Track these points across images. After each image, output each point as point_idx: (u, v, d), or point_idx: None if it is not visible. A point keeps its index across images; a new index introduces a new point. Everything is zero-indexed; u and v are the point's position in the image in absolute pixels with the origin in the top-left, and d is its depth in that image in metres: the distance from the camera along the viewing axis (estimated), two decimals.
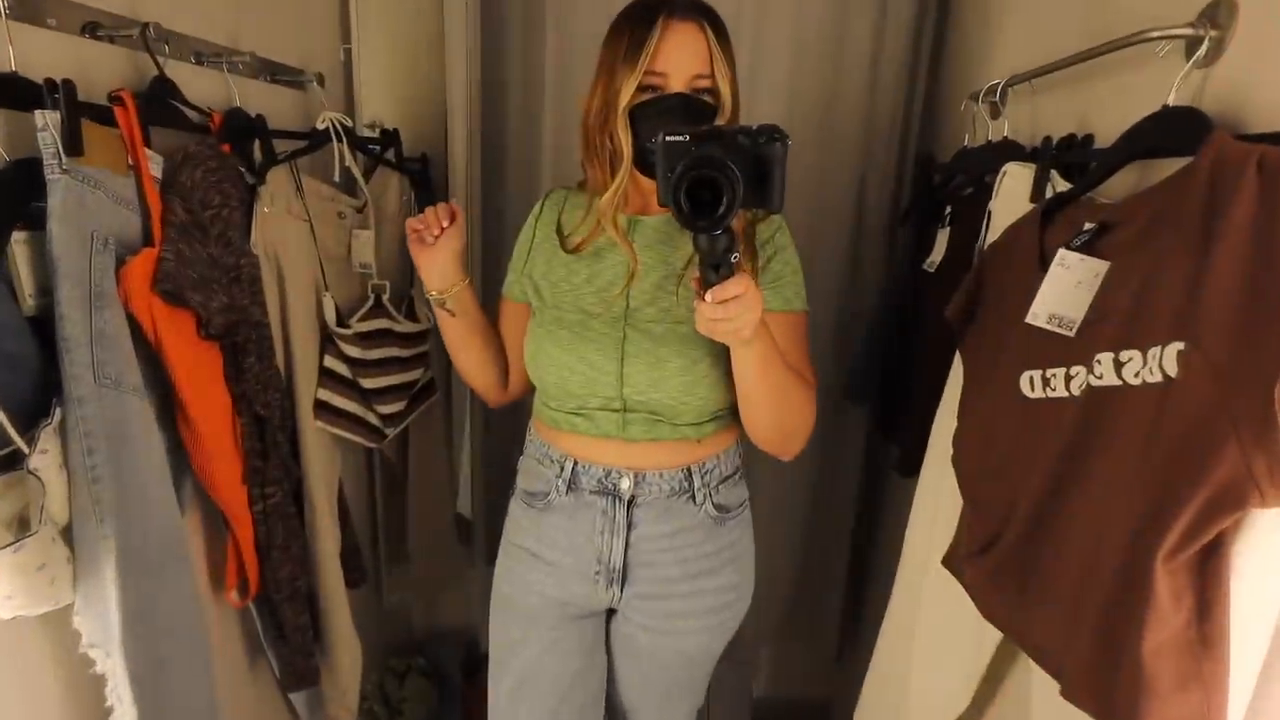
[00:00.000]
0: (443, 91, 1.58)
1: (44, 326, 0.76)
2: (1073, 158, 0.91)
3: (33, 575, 0.70)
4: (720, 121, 0.92)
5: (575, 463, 1.00)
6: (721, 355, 0.94)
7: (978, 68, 1.38)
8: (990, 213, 1.04)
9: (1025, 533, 0.82)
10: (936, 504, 1.10)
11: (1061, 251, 0.75)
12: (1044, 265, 0.82)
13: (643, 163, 0.92)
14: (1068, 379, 0.77)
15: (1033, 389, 0.83)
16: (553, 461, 1.03)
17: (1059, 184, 0.90)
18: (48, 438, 0.73)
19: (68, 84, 0.77)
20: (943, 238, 1.28)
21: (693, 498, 1.01)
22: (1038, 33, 1.16)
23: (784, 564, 1.83)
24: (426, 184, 1.57)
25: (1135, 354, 0.65)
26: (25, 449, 0.71)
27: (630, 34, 0.89)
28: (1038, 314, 0.77)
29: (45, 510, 0.72)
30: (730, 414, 1.01)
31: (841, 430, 1.74)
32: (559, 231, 1.04)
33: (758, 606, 1.88)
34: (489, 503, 1.89)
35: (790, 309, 0.96)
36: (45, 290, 0.77)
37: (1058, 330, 0.77)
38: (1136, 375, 0.65)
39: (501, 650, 1.11)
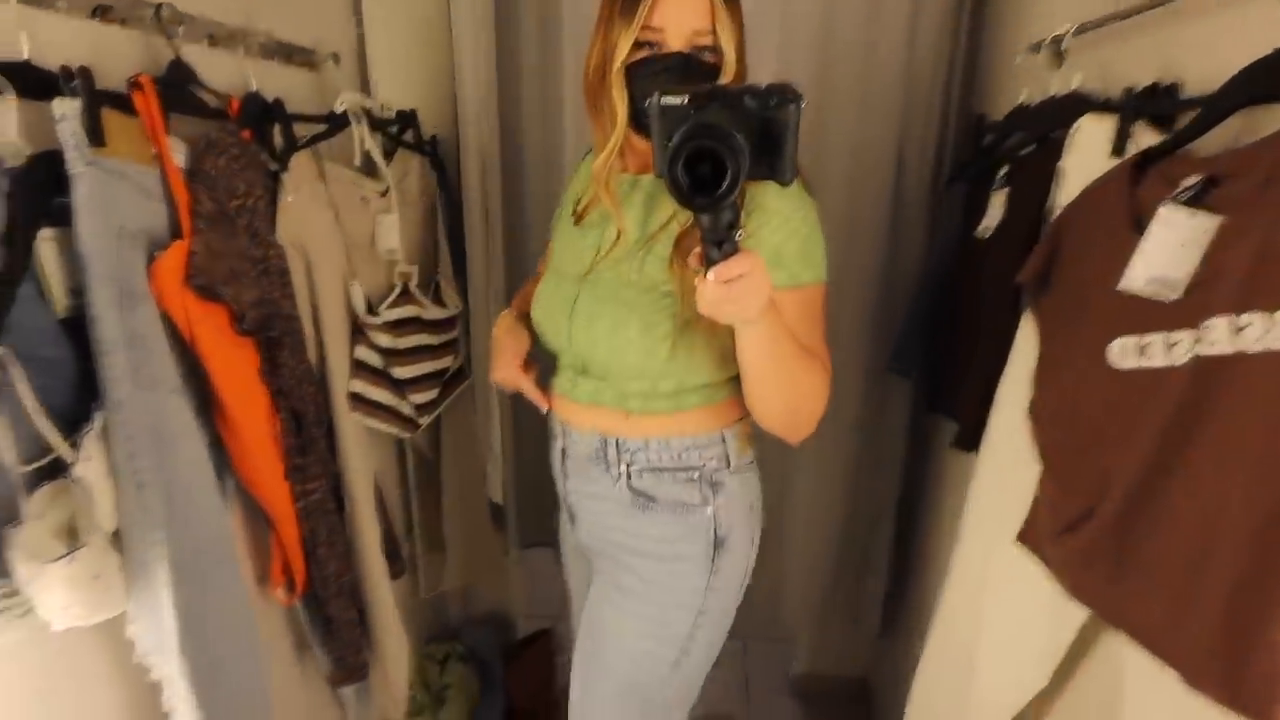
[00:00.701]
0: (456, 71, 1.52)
1: (78, 327, 0.73)
2: (1159, 108, 0.84)
3: (88, 585, 0.67)
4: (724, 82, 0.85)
5: (550, 409, 1.05)
6: (662, 325, 0.87)
7: (1031, 18, 1.30)
8: (1062, 171, 0.98)
9: (1122, 510, 0.77)
10: (1004, 479, 1.05)
11: (1165, 208, 0.69)
12: (1138, 225, 0.76)
13: (638, 123, 0.87)
14: (1168, 346, 0.71)
15: (1125, 357, 0.78)
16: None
17: (1141, 138, 0.84)
18: (91, 443, 0.70)
19: (85, 71, 0.72)
20: (998, 201, 1.21)
21: (607, 469, 0.97)
22: None
23: (825, 540, 1.80)
24: (441, 165, 1.51)
25: (1258, 317, 0.59)
26: (69, 456, 0.68)
27: None
28: (1135, 277, 0.72)
29: (94, 518, 0.69)
30: (691, 402, 0.93)
31: (884, 404, 1.69)
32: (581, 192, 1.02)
33: (798, 583, 1.88)
34: (520, 488, 1.86)
35: (797, 283, 0.84)
36: (77, 290, 0.73)
37: (1157, 294, 0.71)
38: (1259, 341, 0.60)
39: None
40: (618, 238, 0.91)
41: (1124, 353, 0.78)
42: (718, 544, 0.96)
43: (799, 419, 0.86)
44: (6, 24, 0.71)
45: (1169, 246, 0.69)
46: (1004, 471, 1.06)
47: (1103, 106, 1.00)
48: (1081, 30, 1.03)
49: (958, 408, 1.33)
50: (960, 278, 1.34)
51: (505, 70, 1.60)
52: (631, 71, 0.84)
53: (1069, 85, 1.08)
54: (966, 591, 1.15)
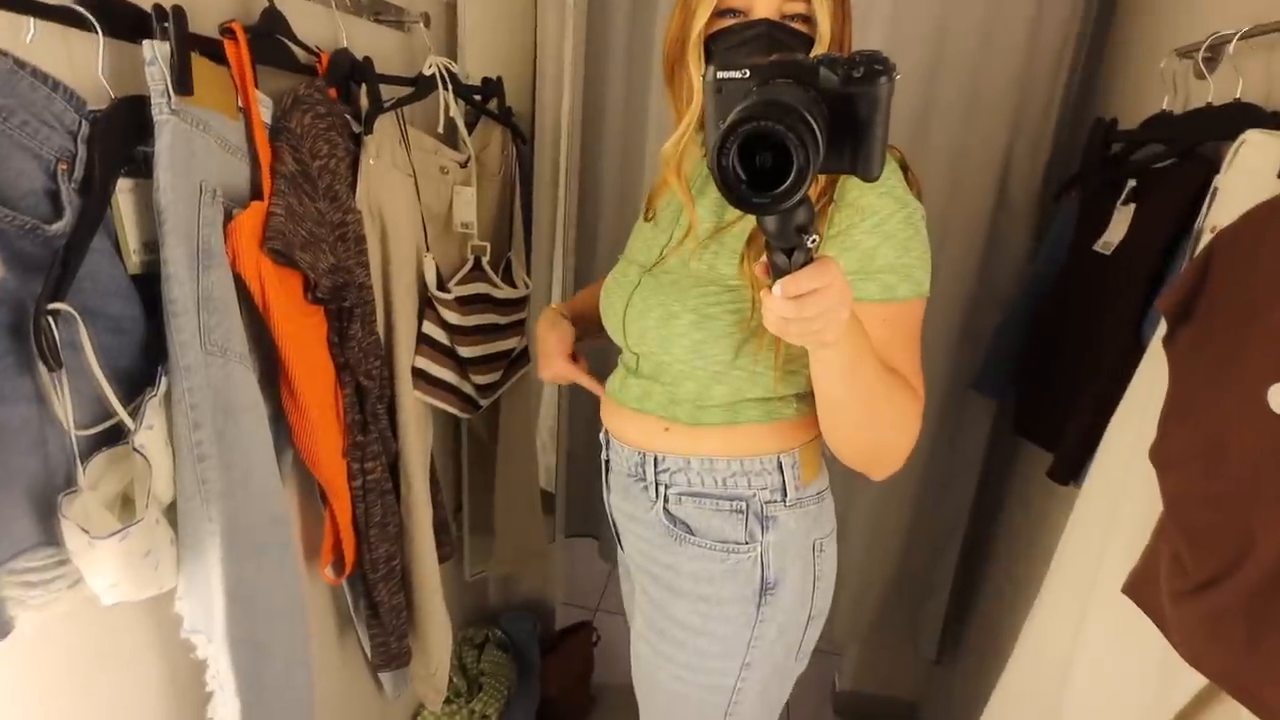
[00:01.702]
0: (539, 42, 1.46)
1: (150, 285, 0.69)
2: None
3: (139, 562, 0.64)
4: None
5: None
6: (718, 318, 0.77)
7: (1178, 18, 1.17)
8: (1216, 190, 0.87)
9: (1268, 578, 0.68)
10: (1111, 520, 0.95)
11: None
12: None
13: None
14: None
15: None
16: None
17: None
18: (153, 411, 0.66)
19: (178, 11, 0.68)
20: (1123, 216, 1.10)
21: (645, 489, 0.87)
22: None
23: (885, 556, 1.71)
24: (525, 138, 1.46)
25: None
26: (130, 423, 0.64)
27: None
28: None
29: (151, 490, 0.65)
30: (749, 418, 0.81)
31: (962, 422, 1.58)
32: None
33: (851, 597, 1.79)
34: (570, 477, 1.82)
35: (890, 297, 0.72)
36: (150, 246, 0.69)
37: None
38: None
39: None
40: (689, 230, 0.82)
41: None
42: (765, 589, 0.83)
43: (881, 454, 0.75)
44: None
45: None
46: (1109, 513, 0.96)
47: (1271, 120, 0.88)
48: (1254, 32, 0.91)
49: (1056, 437, 1.23)
50: (1070, 296, 1.23)
51: (593, 45, 1.53)
52: (711, 43, 0.75)
53: (1228, 95, 0.96)
54: (1054, 634, 1.07)
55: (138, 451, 0.64)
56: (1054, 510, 1.30)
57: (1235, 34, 0.93)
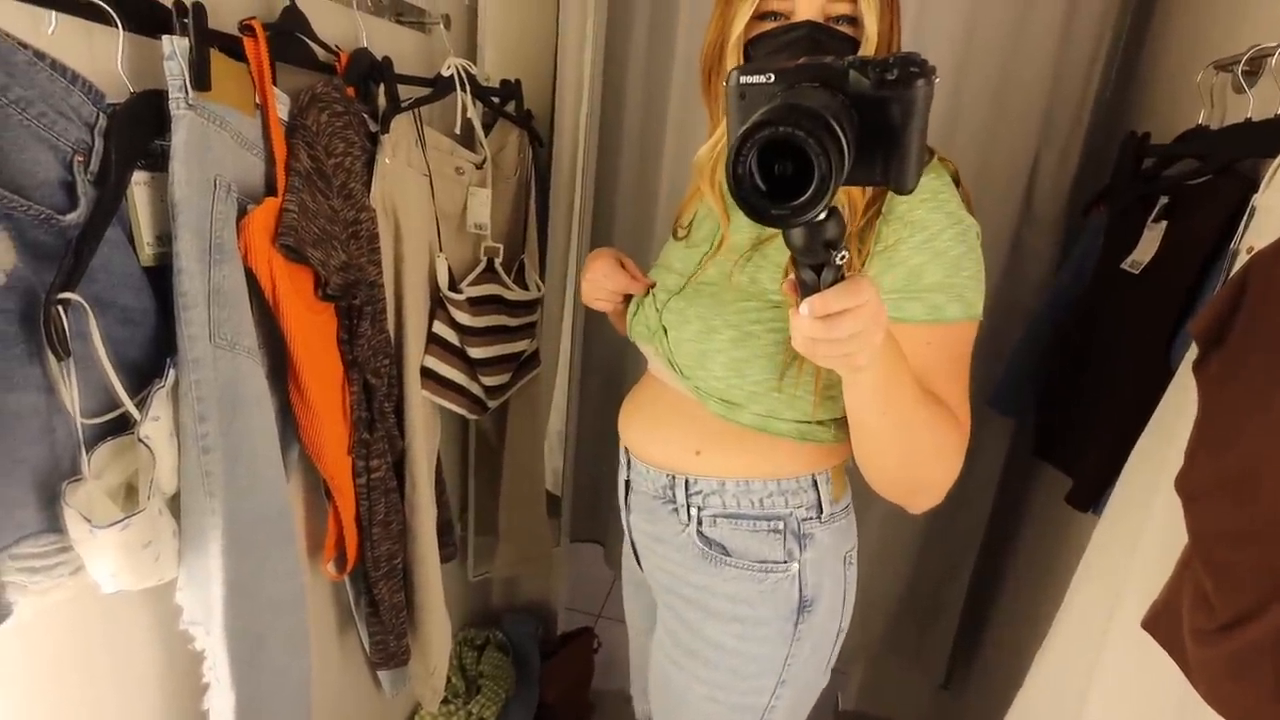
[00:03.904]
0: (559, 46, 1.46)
1: (161, 277, 0.69)
2: None
3: (139, 553, 0.64)
4: None
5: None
6: (758, 337, 0.74)
7: (1215, 30, 1.14)
8: (1254, 209, 0.84)
9: None
10: (1131, 551, 0.93)
11: None
12: None
13: None
14: None
15: None
16: None
17: None
18: (160, 402, 0.66)
19: (199, 7, 0.68)
20: (1153, 234, 1.07)
21: (675, 511, 0.84)
22: None
23: (894, 575, 1.68)
24: (541, 141, 1.46)
25: None
26: (136, 414, 0.65)
27: None
28: None
29: (154, 481, 0.66)
30: (781, 432, 0.78)
31: (980, 441, 1.55)
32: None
33: (859, 615, 1.76)
34: (576, 481, 1.81)
35: (939, 318, 0.68)
36: (163, 238, 0.70)
37: None
38: None
39: None
40: (720, 241, 0.80)
41: None
42: (803, 607, 0.82)
43: (919, 487, 0.71)
44: None
45: None
46: (1130, 543, 0.94)
47: None
48: None
49: (1076, 461, 1.20)
50: (1096, 315, 1.20)
51: (613, 50, 1.53)
52: (752, 47, 0.72)
53: (1270, 109, 0.94)
54: (1069, 666, 1.04)
55: (142, 442, 0.64)
56: (1072, 536, 1.27)
57: (1278, 47, 0.90)
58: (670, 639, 0.90)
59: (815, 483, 0.81)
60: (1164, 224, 1.05)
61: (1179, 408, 0.87)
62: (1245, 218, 0.84)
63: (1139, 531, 0.91)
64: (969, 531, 1.60)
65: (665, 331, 0.82)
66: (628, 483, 0.91)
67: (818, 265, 0.48)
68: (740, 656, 0.84)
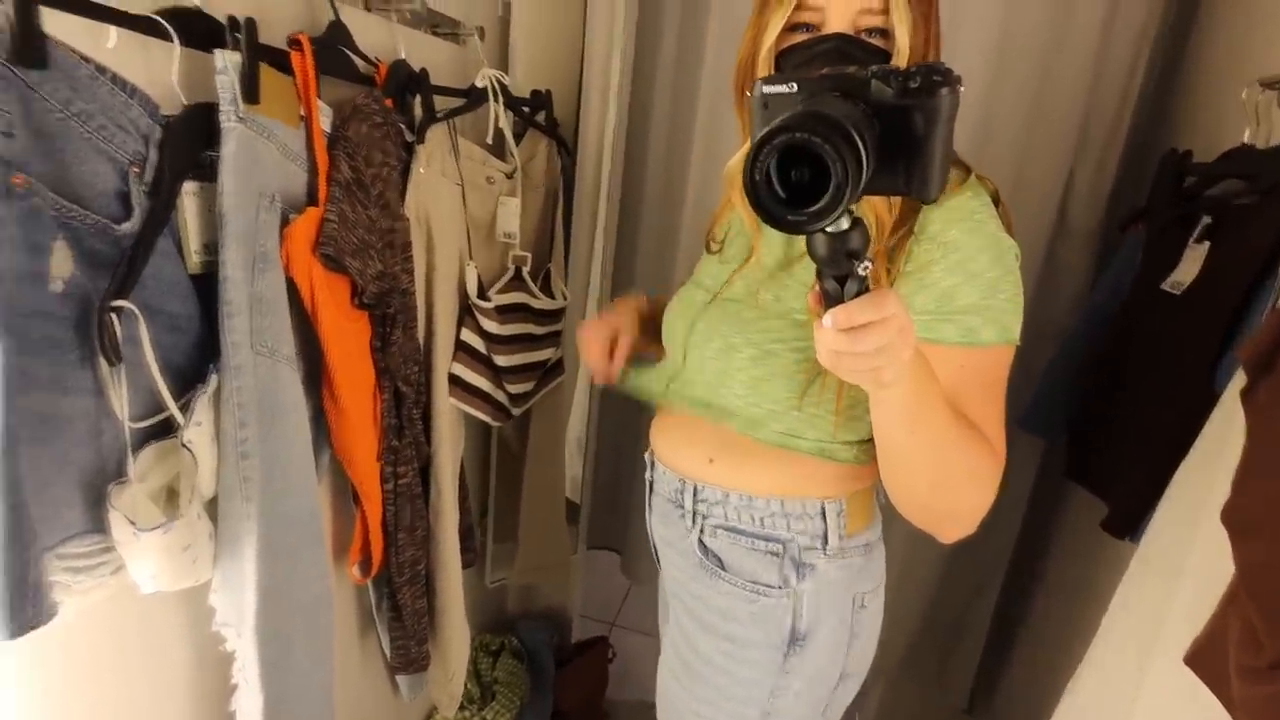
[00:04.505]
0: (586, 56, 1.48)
1: (207, 285, 0.71)
2: None
3: (179, 555, 0.65)
4: None
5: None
6: (778, 356, 0.73)
7: (1260, 45, 1.12)
8: None
9: None
10: (1172, 582, 0.91)
11: None
12: None
13: None
14: None
15: None
16: None
17: None
18: (202, 408, 0.68)
19: (250, 23, 0.70)
20: (1195, 254, 1.05)
21: (683, 516, 0.85)
22: None
23: (916, 592, 1.65)
24: (569, 150, 1.47)
25: None
26: (181, 419, 0.66)
27: None
28: None
29: (195, 485, 0.67)
30: (799, 450, 0.77)
31: (1010, 460, 1.53)
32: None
33: (880, 634, 1.74)
34: (596, 489, 1.82)
35: (974, 341, 0.66)
36: (210, 247, 0.71)
37: None
38: None
39: None
40: (750, 255, 0.80)
41: None
42: (794, 639, 0.79)
43: (949, 513, 0.68)
44: None
45: None
46: (1171, 574, 0.91)
47: None
48: None
49: (1112, 486, 1.17)
50: (1134, 336, 1.17)
51: (640, 61, 1.54)
52: (782, 59, 0.71)
53: None
54: (1103, 700, 1.01)
55: (185, 447, 0.66)
56: (1105, 562, 1.23)
57: None
58: (672, 648, 0.91)
59: (823, 511, 0.78)
60: (1206, 244, 1.03)
61: (1223, 436, 0.85)
62: None
63: (1180, 563, 0.89)
64: (997, 551, 1.58)
65: (685, 354, 0.82)
66: (651, 483, 0.92)
67: (841, 276, 0.48)
68: (727, 676, 0.83)
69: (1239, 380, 0.81)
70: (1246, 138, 1.04)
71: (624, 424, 1.75)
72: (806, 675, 0.81)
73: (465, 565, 1.32)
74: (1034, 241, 1.41)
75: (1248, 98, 1.02)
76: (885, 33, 0.68)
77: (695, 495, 0.83)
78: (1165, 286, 1.07)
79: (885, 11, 0.67)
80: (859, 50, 0.68)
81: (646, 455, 0.93)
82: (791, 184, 0.43)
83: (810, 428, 0.76)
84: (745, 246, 0.83)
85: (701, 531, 0.83)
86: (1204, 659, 0.79)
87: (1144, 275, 1.16)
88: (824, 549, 0.79)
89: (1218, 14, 1.29)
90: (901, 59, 0.68)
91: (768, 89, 0.49)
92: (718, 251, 0.88)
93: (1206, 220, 1.04)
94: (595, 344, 0.92)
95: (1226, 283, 0.95)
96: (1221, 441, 0.84)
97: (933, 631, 1.68)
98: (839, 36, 0.68)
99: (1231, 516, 0.77)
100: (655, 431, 0.92)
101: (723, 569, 0.81)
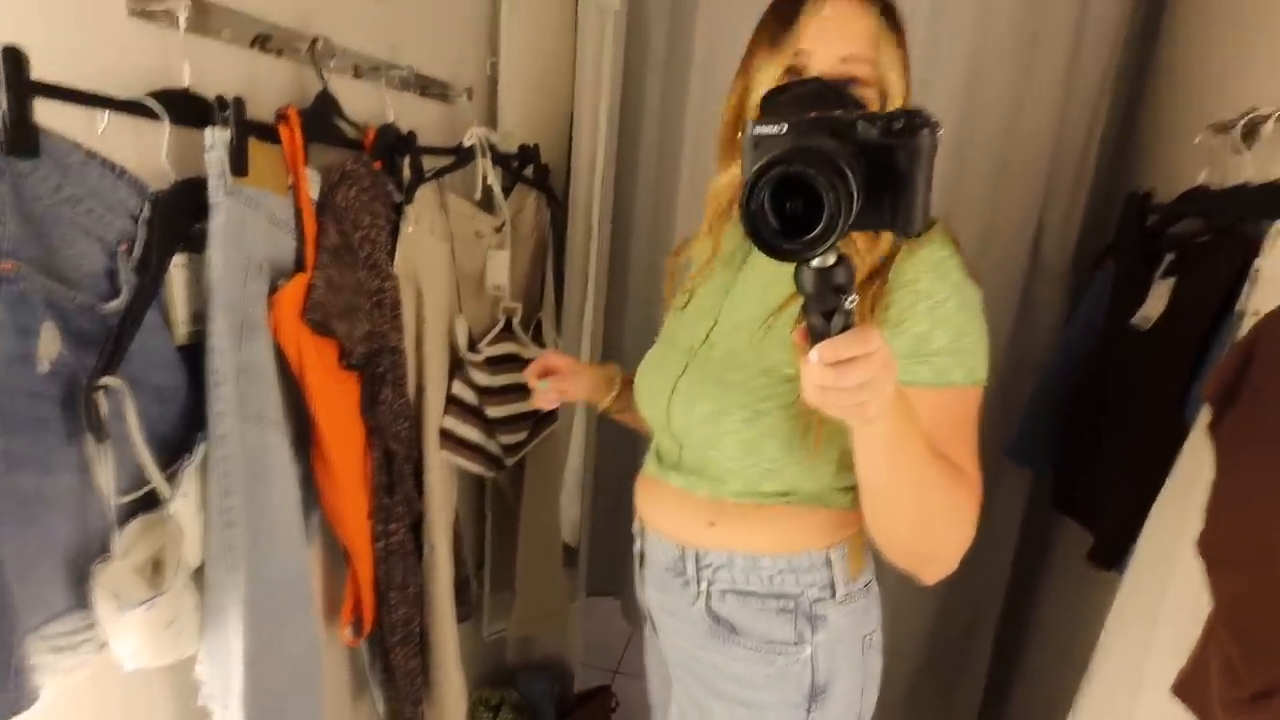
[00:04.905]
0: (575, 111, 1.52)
1: (192, 354, 0.72)
2: None
3: (161, 632, 0.65)
4: None
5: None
6: (769, 414, 0.73)
7: (1214, 92, 1.17)
8: (1257, 272, 0.85)
9: None
10: (1156, 612, 0.91)
11: None
12: None
13: None
14: None
15: None
16: None
17: None
18: (189, 478, 0.68)
19: (238, 102, 0.72)
20: (1161, 290, 1.08)
21: (685, 584, 0.82)
22: None
23: (914, 635, 1.64)
24: (558, 201, 1.50)
25: None
26: (167, 491, 0.66)
27: (779, 7, 0.74)
28: None
29: (180, 556, 0.67)
30: (793, 503, 0.78)
31: (995, 493, 1.54)
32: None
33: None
34: (594, 534, 1.81)
35: (946, 382, 0.68)
36: (197, 317, 0.73)
37: None
38: None
39: None
40: (708, 259, 0.82)
41: None
42: (815, 694, 0.78)
43: (932, 552, 0.69)
44: (173, 51, 0.72)
45: None
46: (1154, 604, 0.92)
47: None
48: None
49: (1096, 518, 1.19)
50: (1107, 369, 1.20)
51: (626, 115, 1.58)
52: (765, 102, 0.72)
53: (1268, 173, 0.95)
54: None
55: (171, 518, 0.66)
56: (1097, 591, 1.24)
57: (1273, 114, 0.93)
58: (679, 713, 0.88)
59: (829, 560, 0.78)
60: (1171, 280, 1.06)
61: (1196, 465, 0.86)
62: (1248, 281, 0.85)
63: (1162, 593, 0.90)
64: (992, 584, 1.58)
65: (669, 419, 0.81)
66: (642, 554, 0.90)
67: (828, 311, 0.49)
68: None
69: (1206, 413, 0.83)
70: (1202, 179, 1.08)
71: (622, 466, 1.75)
72: None
73: (462, 619, 1.31)
74: (1009, 279, 1.46)
75: (1202, 141, 1.06)
76: (868, 82, 0.71)
77: (698, 561, 0.81)
78: (1134, 321, 1.10)
79: (870, 61, 0.70)
80: (835, 96, 0.70)
81: (635, 526, 0.91)
82: (785, 215, 0.45)
83: (807, 479, 0.76)
84: (714, 300, 0.84)
85: (708, 598, 0.81)
86: (1190, 689, 0.79)
87: (1114, 311, 1.20)
88: (833, 597, 0.79)
89: (1172, 63, 1.35)
90: (885, 104, 0.71)
91: (759, 129, 0.51)
92: (682, 307, 0.88)
93: (1170, 257, 1.07)
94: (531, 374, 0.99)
95: (1190, 317, 0.98)
96: (1195, 472, 0.85)
97: (934, 668, 1.66)
98: (818, 81, 0.71)
99: (1205, 548, 0.78)
100: (644, 501, 0.90)
101: (735, 633, 0.79)
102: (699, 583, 0.81)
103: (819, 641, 0.78)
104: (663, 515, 0.86)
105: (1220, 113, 1.04)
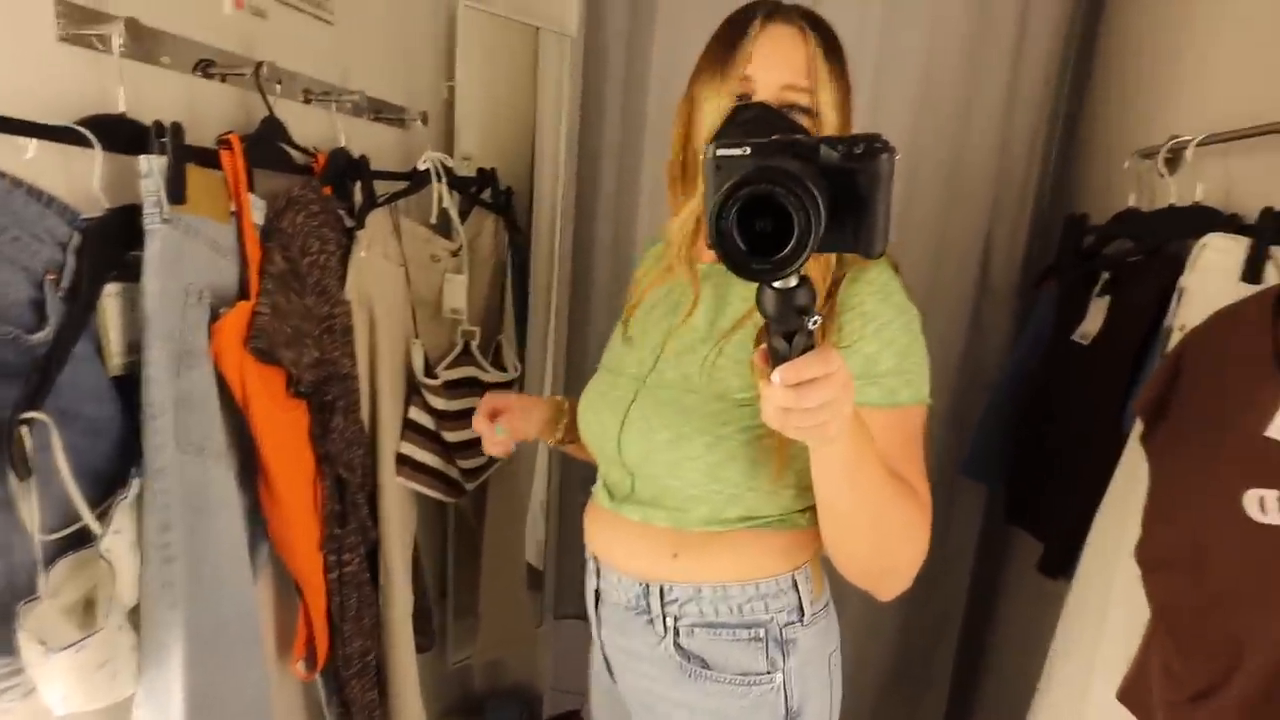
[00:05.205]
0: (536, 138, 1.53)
1: (128, 386, 0.70)
2: None
3: (93, 674, 0.62)
4: None
5: (583, 532, 0.90)
6: (730, 438, 0.73)
7: (1142, 120, 1.23)
8: (1183, 290, 0.89)
9: (1261, 689, 0.66)
10: (1101, 618, 0.93)
11: None
12: None
13: None
14: None
15: (1264, 511, 0.68)
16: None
17: None
18: (123, 514, 0.66)
19: (176, 128, 0.72)
20: (1098, 307, 1.13)
21: (650, 622, 0.80)
22: (1234, 86, 1.01)
23: (880, 648, 1.66)
24: (516, 225, 1.50)
25: None
26: (98, 529, 0.64)
27: (721, 37, 0.76)
28: None
29: (114, 595, 0.65)
30: (755, 526, 0.77)
31: (953, 508, 1.57)
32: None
33: (848, 690, 1.72)
34: (560, 556, 1.79)
35: (892, 402, 0.70)
36: (133, 347, 0.71)
37: None
38: None
39: None
40: (690, 310, 0.79)
41: (1262, 506, 0.68)
42: (790, 719, 0.78)
43: (889, 568, 0.70)
44: (110, 76, 0.71)
45: None
46: (1100, 610, 0.94)
47: (1229, 223, 0.92)
48: (1210, 140, 0.95)
49: (1044, 528, 1.22)
50: (1052, 383, 1.25)
51: (587, 137, 1.60)
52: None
53: (1189, 196, 1.00)
54: None
55: (103, 557, 0.64)
56: (1052, 601, 1.26)
57: (1192, 140, 0.97)
58: None
59: (795, 583, 0.78)
60: (1107, 298, 1.10)
61: (1133, 476, 0.90)
62: (1175, 297, 0.88)
63: (1107, 601, 0.92)
64: (952, 598, 1.61)
65: (620, 450, 0.80)
66: (597, 593, 0.86)
67: (789, 332, 0.49)
68: None
69: (1139, 426, 0.85)
70: (1132, 201, 1.12)
71: (588, 487, 1.74)
72: None
73: (423, 649, 1.28)
74: (961, 299, 1.51)
75: (1131, 166, 1.11)
76: (807, 110, 0.73)
77: (663, 596, 0.79)
78: (1075, 337, 1.14)
79: (810, 90, 0.72)
80: (780, 121, 0.72)
81: (589, 563, 0.88)
82: (752, 236, 0.45)
83: (769, 503, 0.76)
84: (659, 327, 0.83)
85: (676, 634, 0.79)
86: (1133, 694, 0.81)
87: (1058, 328, 1.24)
88: (801, 620, 0.78)
89: (1106, 91, 1.42)
90: (826, 129, 0.73)
91: (722, 151, 0.51)
92: (629, 339, 0.87)
93: (1106, 276, 1.11)
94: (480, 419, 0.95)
95: (1125, 333, 1.02)
96: (1133, 481, 0.88)
97: (900, 681, 1.68)
98: (762, 105, 0.72)
99: (1142, 554, 0.80)
100: (598, 537, 0.87)
101: (707, 668, 0.78)
102: (664, 619, 0.79)
103: (791, 667, 0.77)
104: (621, 551, 0.83)
105: (1148, 139, 1.09)
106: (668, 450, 0.75)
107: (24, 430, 0.57)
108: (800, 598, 0.78)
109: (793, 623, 0.78)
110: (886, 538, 0.67)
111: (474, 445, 1.32)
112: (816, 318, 0.49)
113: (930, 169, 1.48)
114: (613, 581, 0.83)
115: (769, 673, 0.77)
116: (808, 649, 0.79)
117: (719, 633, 0.77)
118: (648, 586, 0.79)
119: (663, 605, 0.79)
